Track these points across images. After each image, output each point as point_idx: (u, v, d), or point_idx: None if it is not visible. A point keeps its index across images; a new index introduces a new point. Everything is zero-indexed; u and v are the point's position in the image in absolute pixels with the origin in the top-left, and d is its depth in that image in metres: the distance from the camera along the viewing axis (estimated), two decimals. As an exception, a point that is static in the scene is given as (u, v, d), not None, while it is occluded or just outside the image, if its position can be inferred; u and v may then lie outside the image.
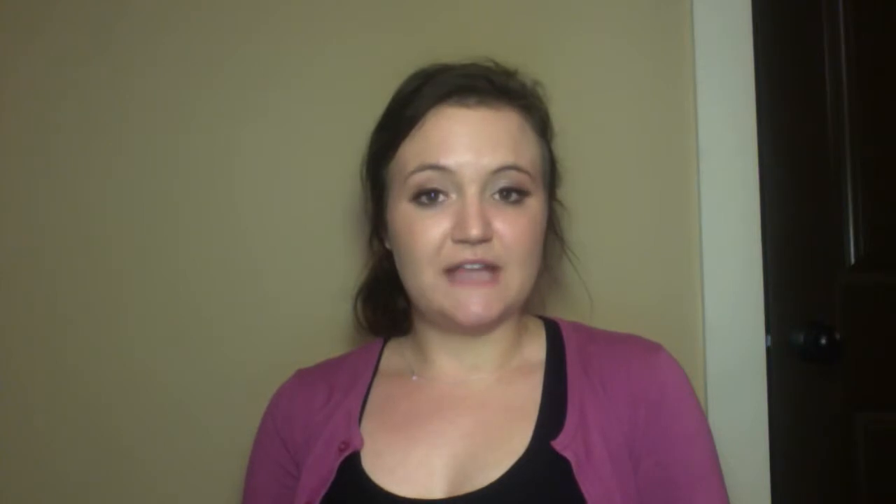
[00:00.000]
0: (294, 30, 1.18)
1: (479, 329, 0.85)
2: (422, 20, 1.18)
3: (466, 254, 0.81)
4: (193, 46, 1.17)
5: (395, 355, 0.95)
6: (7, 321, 1.15)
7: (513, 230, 0.83)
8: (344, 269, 1.10)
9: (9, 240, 1.16)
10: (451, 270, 0.82)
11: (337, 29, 1.18)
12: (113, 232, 1.16)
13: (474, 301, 0.82)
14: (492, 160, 0.82)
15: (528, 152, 0.86)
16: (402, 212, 0.85)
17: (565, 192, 0.97)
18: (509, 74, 0.90)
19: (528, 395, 0.85)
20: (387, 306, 0.96)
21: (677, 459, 0.82)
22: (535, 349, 0.90)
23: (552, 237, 0.95)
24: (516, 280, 0.84)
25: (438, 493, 0.80)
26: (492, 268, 0.83)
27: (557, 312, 1.01)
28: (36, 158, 1.16)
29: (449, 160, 0.82)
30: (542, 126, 0.90)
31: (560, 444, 0.80)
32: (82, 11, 1.17)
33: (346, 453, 0.84)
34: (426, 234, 0.83)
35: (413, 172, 0.84)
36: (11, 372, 1.15)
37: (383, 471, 0.82)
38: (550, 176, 0.92)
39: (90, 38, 1.17)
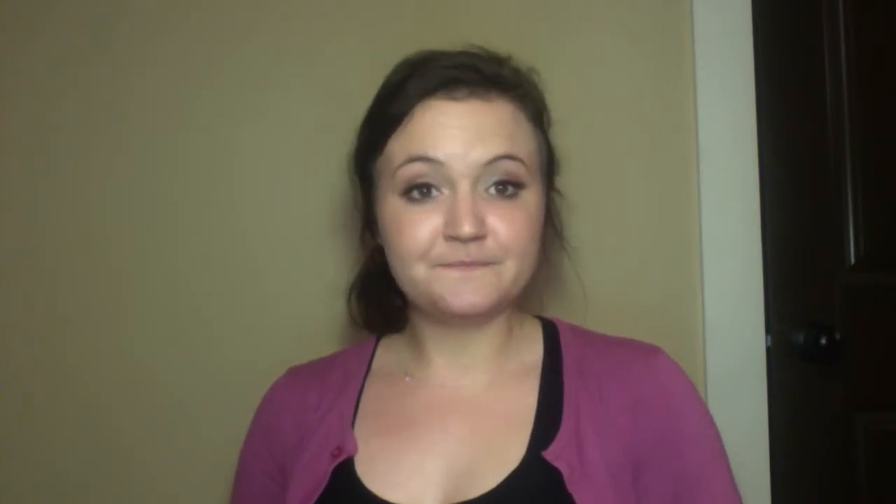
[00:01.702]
0: (294, 30, 1.18)
1: (472, 318, 0.82)
2: (422, 20, 1.17)
3: (460, 254, 0.79)
4: (193, 46, 1.17)
5: (388, 353, 0.93)
6: (7, 321, 1.16)
7: (508, 227, 0.80)
8: (344, 269, 1.10)
9: (9, 240, 1.16)
10: (444, 265, 0.80)
11: (337, 29, 1.18)
12: (113, 232, 1.16)
13: (468, 289, 0.80)
14: (484, 152, 0.79)
15: (523, 143, 0.83)
16: (391, 207, 0.82)
17: (565, 192, 0.97)
18: (500, 62, 0.86)
19: (524, 401, 0.83)
20: (380, 302, 0.93)
21: (684, 460, 0.80)
22: (532, 351, 0.88)
23: (550, 230, 0.93)
24: (511, 272, 0.81)
25: (432, 502, 0.78)
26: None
27: (554, 308, 1.00)
28: (36, 158, 1.16)
29: (438, 152, 0.79)
30: (537, 115, 0.87)
31: (551, 453, 0.78)
32: (82, 11, 1.17)
33: (340, 459, 0.82)
34: (415, 231, 0.80)
35: (401, 166, 0.81)
36: (11, 372, 1.15)
37: (376, 476, 0.80)
38: (548, 166, 0.89)
39: (90, 38, 1.17)
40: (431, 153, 0.80)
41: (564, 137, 0.95)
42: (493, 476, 0.78)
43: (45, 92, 1.17)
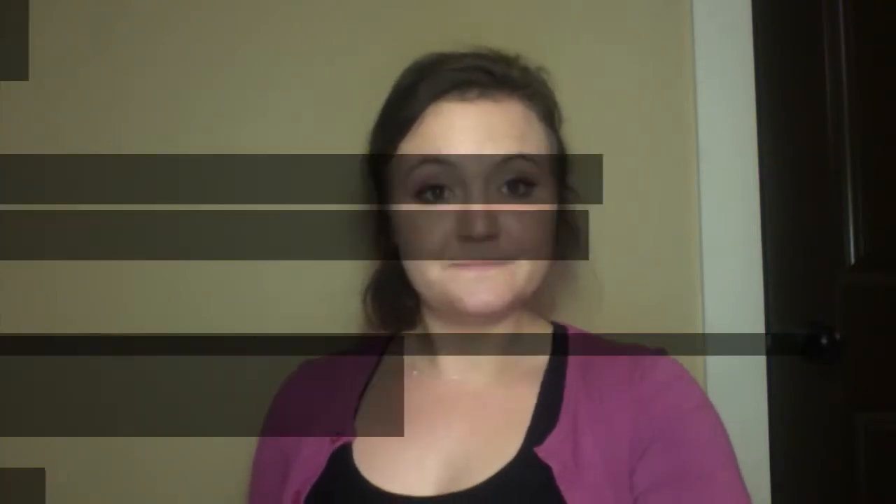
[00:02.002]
0: (294, 30, 1.18)
1: (487, 317, 0.83)
2: (422, 21, 1.17)
3: (473, 254, 0.80)
4: (193, 46, 1.17)
5: (399, 349, 0.95)
6: (7, 321, 1.15)
7: (521, 225, 0.81)
8: (345, 269, 1.10)
9: (9, 239, 1.16)
10: (458, 266, 0.81)
11: (337, 28, 1.18)
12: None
13: (483, 289, 0.80)
14: (495, 152, 0.80)
15: (534, 142, 0.84)
16: (405, 210, 0.83)
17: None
18: (509, 62, 0.87)
19: (526, 399, 0.84)
20: (394, 304, 0.95)
21: (685, 461, 0.79)
22: (539, 352, 0.89)
23: (564, 227, 0.93)
24: (525, 271, 0.82)
25: (426, 492, 0.79)
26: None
27: (567, 305, 1.00)
28: (36, 158, 1.16)
29: (450, 154, 0.80)
30: (548, 113, 0.88)
31: (544, 450, 0.79)
32: (82, 11, 1.17)
33: (338, 444, 0.84)
34: (430, 232, 0.81)
35: (414, 168, 0.82)
36: (11, 372, 1.15)
37: (374, 466, 0.82)
38: (560, 164, 0.90)
39: (90, 38, 1.17)
40: (443, 155, 0.81)
41: (564, 138, 0.95)
42: (486, 470, 0.79)
43: (45, 92, 1.17)
